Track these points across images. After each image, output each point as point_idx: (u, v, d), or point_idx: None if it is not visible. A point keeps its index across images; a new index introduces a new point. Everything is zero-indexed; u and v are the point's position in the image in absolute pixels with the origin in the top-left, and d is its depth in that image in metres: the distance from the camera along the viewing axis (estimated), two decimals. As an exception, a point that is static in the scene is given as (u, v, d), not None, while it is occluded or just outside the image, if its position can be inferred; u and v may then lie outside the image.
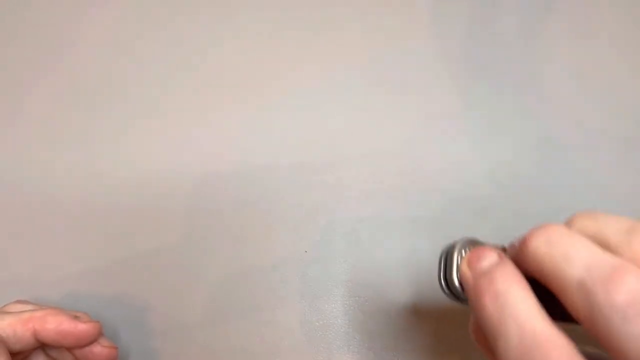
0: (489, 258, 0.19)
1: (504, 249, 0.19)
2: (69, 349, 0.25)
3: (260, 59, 0.34)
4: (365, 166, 0.32)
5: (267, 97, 0.34)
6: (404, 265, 0.30)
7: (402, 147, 0.33)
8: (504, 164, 0.32)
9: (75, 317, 0.25)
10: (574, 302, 0.16)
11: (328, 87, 0.34)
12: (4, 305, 0.25)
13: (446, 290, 0.20)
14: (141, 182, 0.32)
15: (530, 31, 0.35)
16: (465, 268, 0.19)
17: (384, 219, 0.31)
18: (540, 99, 0.34)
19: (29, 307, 0.25)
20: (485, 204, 0.31)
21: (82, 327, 0.24)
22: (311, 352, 0.29)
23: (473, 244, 0.20)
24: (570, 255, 0.17)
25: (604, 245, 0.17)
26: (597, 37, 0.35)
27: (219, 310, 0.30)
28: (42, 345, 0.25)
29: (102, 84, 0.34)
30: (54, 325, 0.24)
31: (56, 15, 0.35)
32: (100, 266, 0.31)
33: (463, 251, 0.20)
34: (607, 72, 0.34)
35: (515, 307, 0.17)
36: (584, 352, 0.16)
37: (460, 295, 0.19)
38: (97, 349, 0.25)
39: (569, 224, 0.18)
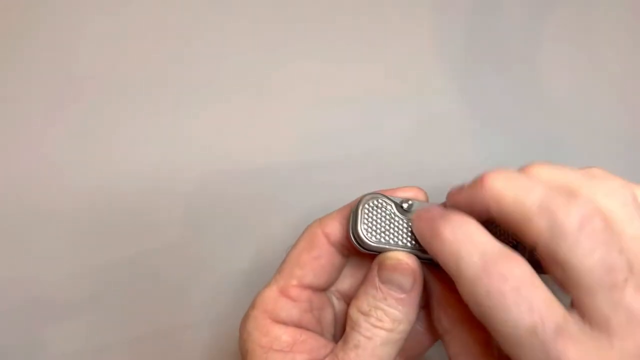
0: (437, 209, 0.21)
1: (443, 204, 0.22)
2: None
3: (260, 57, 0.34)
4: (365, 166, 0.32)
5: (267, 96, 0.34)
6: (404, 265, 0.30)
7: (402, 147, 0.32)
8: (504, 164, 0.32)
9: None
10: (533, 226, 0.17)
11: (328, 87, 0.34)
12: None
13: (354, 241, 0.21)
14: (140, 181, 0.32)
15: (531, 31, 0.35)
16: (416, 219, 0.21)
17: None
18: (540, 99, 0.34)
19: None
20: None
21: None
22: (311, 352, 0.29)
23: (376, 197, 0.22)
24: (530, 186, 0.18)
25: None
26: (597, 36, 0.35)
27: (219, 310, 0.30)
28: None
29: (100, 83, 0.34)
30: None
31: (56, 15, 0.35)
32: (100, 266, 0.31)
33: (367, 205, 0.22)
34: (608, 71, 0.34)
35: (474, 233, 0.18)
36: None
37: (364, 245, 0.21)
38: None
39: (522, 170, 0.19)
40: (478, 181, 0.19)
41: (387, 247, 0.21)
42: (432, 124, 0.33)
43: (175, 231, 0.31)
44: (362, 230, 0.21)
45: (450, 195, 0.21)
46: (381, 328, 0.20)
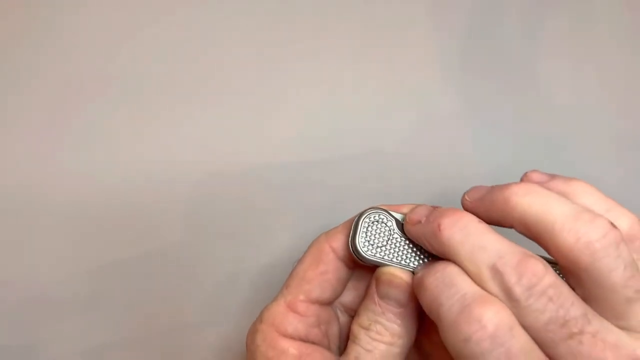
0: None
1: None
2: None
3: (260, 57, 0.34)
4: (365, 166, 0.32)
5: (267, 96, 0.34)
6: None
7: (402, 147, 0.33)
8: (504, 164, 0.32)
9: None
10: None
11: (328, 86, 0.34)
12: None
13: (352, 253, 0.22)
14: (140, 181, 0.32)
15: (531, 31, 0.35)
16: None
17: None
18: (540, 99, 0.34)
19: None
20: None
21: None
22: (311, 352, 0.29)
23: (377, 212, 0.23)
24: (483, 244, 0.18)
25: None
26: (596, 38, 0.35)
27: (219, 310, 0.30)
28: None
29: (100, 84, 0.34)
30: None
31: (56, 15, 0.35)
32: (100, 266, 0.31)
33: (367, 219, 0.22)
34: (607, 72, 0.34)
35: (455, 278, 0.18)
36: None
37: (361, 257, 0.22)
38: None
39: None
40: (437, 228, 0.19)
41: (383, 262, 0.21)
42: (432, 124, 0.33)
43: (175, 231, 0.31)
44: (359, 242, 0.22)
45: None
46: (380, 341, 0.20)
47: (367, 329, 0.21)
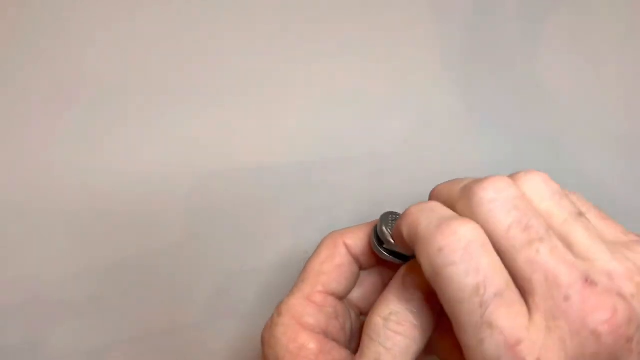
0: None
1: None
2: None
3: (259, 57, 0.34)
4: (365, 166, 0.32)
5: (267, 96, 0.34)
6: (404, 265, 0.30)
7: (402, 147, 0.32)
8: (504, 164, 0.32)
9: None
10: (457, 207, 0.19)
11: (328, 87, 0.34)
12: None
13: (383, 251, 0.23)
14: (140, 181, 0.32)
15: (531, 31, 0.35)
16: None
17: (384, 219, 0.31)
18: (540, 99, 0.34)
19: None
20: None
21: None
22: (311, 352, 0.29)
23: (393, 214, 0.24)
24: (430, 207, 0.19)
25: None
26: (596, 36, 0.35)
27: (219, 310, 0.30)
28: None
29: (100, 84, 0.34)
30: None
31: (55, 17, 0.35)
32: (100, 266, 0.31)
33: (392, 216, 0.23)
34: (607, 71, 0.34)
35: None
36: None
37: (389, 247, 0.22)
38: None
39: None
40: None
41: (403, 253, 0.22)
42: (432, 124, 0.33)
43: (175, 231, 0.31)
44: (386, 232, 0.22)
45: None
46: (400, 334, 0.20)
47: (386, 319, 0.20)
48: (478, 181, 0.18)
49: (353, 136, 0.33)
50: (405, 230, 0.19)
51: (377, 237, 0.23)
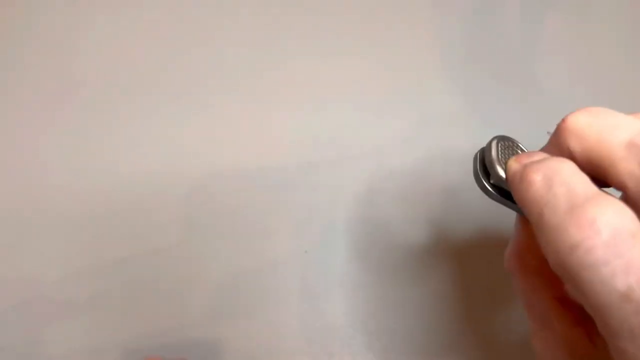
0: (539, 154, 0.17)
1: None
2: None
3: (259, 58, 0.34)
4: (365, 166, 0.32)
5: (266, 96, 0.34)
6: (404, 265, 0.30)
7: (402, 147, 0.32)
8: (504, 164, 0.32)
9: None
10: (620, 168, 0.14)
11: (328, 86, 0.34)
12: None
13: (486, 182, 0.18)
14: (140, 182, 0.32)
15: (531, 30, 0.35)
16: (513, 161, 0.17)
17: (383, 218, 0.31)
18: (540, 97, 0.34)
19: None
20: (487, 203, 0.31)
21: None
22: (311, 352, 0.29)
23: (505, 139, 0.19)
24: (616, 122, 0.15)
25: None
26: (596, 37, 0.35)
27: (219, 310, 0.30)
28: None
29: (100, 85, 0.34)
30: None
31: (53, 17, 0.35)
32: (100, 266, 0.31)
33: (499, 146, 0.19)
34: (608, 70, 0.34)
35: (567, 175, 0.15)
36: None
37: (502, 184, 0.18)
38: None
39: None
40: (561, 122, 0.16)
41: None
42: (432, 123, 0.33)
43: (175, 231, 0.31)
44: (498, 163, 0.18)
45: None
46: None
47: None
48: None
49: (353, 136, 0.33)
50: (523, 203, 0.15)
51: (483, 166, 0.18)
